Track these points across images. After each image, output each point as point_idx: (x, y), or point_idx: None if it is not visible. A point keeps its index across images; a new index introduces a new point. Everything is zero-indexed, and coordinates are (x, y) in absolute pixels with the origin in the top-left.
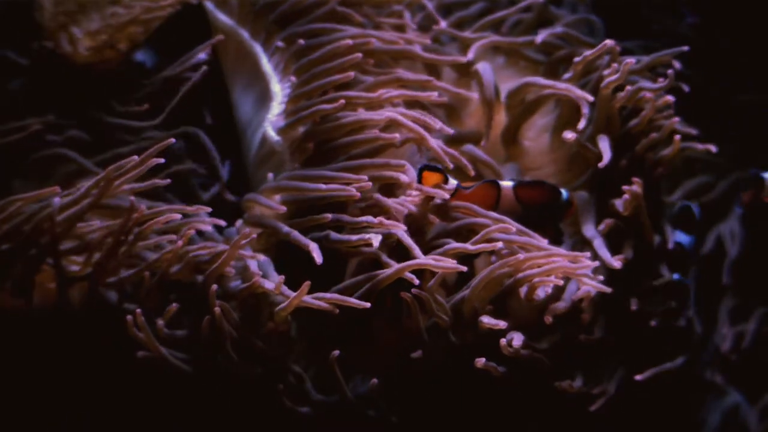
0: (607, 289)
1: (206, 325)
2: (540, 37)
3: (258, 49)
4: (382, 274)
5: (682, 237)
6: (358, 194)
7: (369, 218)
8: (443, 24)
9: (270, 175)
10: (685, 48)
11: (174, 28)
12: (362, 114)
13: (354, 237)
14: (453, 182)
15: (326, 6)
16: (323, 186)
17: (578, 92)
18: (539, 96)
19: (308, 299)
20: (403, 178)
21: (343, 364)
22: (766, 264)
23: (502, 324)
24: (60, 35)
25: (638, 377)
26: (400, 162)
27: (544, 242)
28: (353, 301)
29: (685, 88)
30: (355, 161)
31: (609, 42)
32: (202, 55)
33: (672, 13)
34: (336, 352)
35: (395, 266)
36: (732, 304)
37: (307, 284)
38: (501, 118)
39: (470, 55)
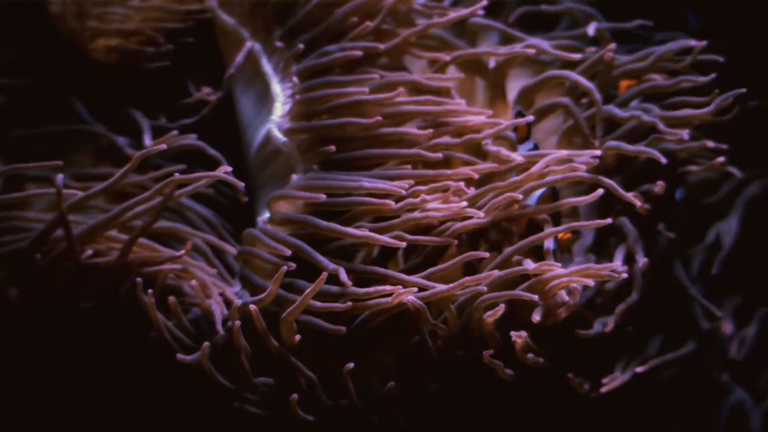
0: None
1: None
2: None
3: (257, 48)
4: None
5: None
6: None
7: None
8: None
9: (294, 176)
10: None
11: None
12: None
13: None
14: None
15: None
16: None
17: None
18: (553, 103)
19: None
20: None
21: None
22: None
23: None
24: (72, 26)
25: (639, 369)
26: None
27: None
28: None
29: None
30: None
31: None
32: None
33: (676, 17)
34: (350, 365)
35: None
36: (736, 303)
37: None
38: (508, 118)
39: (492, 64)
